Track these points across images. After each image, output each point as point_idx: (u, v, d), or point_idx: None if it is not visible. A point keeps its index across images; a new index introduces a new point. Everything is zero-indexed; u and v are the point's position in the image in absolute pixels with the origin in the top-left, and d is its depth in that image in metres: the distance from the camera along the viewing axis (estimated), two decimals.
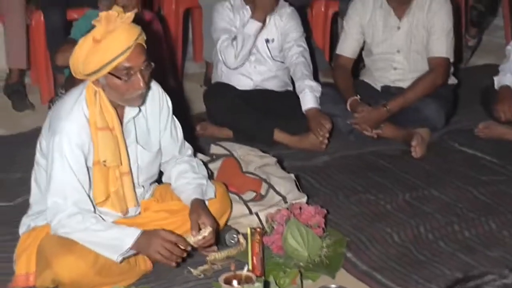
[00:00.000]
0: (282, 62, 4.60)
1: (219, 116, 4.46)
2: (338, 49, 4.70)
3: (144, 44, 2.91)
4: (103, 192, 2.99)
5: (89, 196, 2.97)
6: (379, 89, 4.65)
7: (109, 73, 2.86)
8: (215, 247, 3.24)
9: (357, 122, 4.39)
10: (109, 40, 2.81)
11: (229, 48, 4.43)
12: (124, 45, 2.82)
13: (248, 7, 4.51)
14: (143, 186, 3.19)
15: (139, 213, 3.18)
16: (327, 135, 4.33)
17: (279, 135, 4.40)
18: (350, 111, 4.42)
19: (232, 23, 4.52)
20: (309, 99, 4.38)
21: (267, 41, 4.55)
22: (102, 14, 2.82)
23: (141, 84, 2.89)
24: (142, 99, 3.00)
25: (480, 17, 5.81)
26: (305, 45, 4.57)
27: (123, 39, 2.82)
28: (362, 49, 4.68)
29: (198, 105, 4.80)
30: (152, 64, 2.94)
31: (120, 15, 2.83)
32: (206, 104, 4.61)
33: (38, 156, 3.06)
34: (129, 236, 2.92)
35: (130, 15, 2.85)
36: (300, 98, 4.40)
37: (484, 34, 6.41)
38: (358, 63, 4.84)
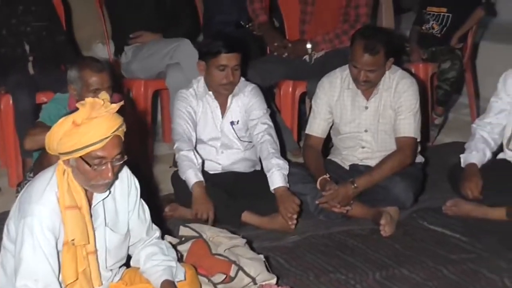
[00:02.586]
0: (250, 142, 4.62)
1: (185, 198, 4.38)
2: (308, 128, 4.73)
3: (122, 136, 2.93)
4: (73, 272, 2.94)
5: (58, 280, 2.93)
6: (347, 167, 4.67)
7: (81, 157, 2.87)
8: None
9: (325, 201, 4.39)
10: (88, 126, 2.83)
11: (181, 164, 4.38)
12: (102, 135, 2.84)
13: (210, 92, 4.52)
14: (111, 270, 3.16)
15: None
16: (295, 216, 4.31)
17: (247, 217, 4.37)
18: (320, 190, 4.43)
19: (194, 110, 4.52)
20: (276, 177, 4.35)
21: (232, 123, 4.57)
22: (88, 99, 2.84)
23: (109, 175, 2.91)
24: (108, 187, 3.02)
25: (446, 96, 5.89)
26: (270, 122, 4.58)
27: (102, 129, 2.84)
28: (331, 128, 4.72)
29: (167, 186, 4.78)
30: (125, 157, 2.96)
31: (106, 104, 2.85)
32: (174, 186, 4.57)
33: (5, 240, 3.02)
34: None
35: (115, 106, 2.87)
36: (268, 177, 4.38)
37: (450, 112, 6.54)
38: (328, 142, 4.86)
